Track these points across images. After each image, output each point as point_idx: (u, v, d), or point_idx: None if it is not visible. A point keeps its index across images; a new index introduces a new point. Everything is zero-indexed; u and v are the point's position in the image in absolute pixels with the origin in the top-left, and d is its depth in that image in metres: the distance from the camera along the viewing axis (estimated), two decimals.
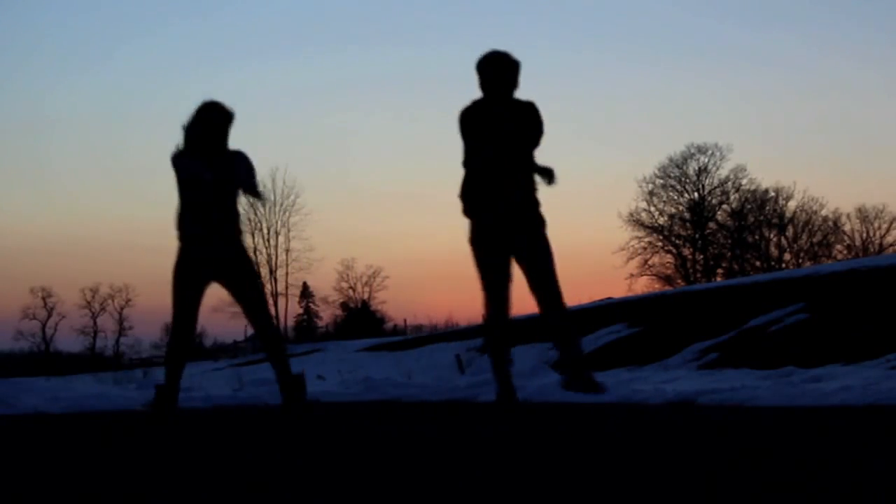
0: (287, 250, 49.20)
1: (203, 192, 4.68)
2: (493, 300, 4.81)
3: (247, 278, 4.84)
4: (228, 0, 78.38)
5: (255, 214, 48.45)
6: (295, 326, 58.28)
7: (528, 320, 17.05)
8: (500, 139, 4.71)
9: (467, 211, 4.82)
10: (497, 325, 4.88)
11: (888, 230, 49.37)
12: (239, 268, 4.81)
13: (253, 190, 4.80)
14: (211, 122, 4.72)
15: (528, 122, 4.78)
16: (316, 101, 77.87)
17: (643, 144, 72.27)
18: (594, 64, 71.39)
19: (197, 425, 4.21)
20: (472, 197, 4.78)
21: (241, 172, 4.75)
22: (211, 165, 4.68)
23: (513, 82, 4.76)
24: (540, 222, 4.81)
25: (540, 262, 4.73)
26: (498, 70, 4.73)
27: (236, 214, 4.82)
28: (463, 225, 4.86)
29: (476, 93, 4.84)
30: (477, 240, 4.79)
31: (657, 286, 46.55)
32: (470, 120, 4.78)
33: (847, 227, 49.54)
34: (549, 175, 4.79)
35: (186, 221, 4.73)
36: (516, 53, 4.80)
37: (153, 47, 78.81)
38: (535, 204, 4.81)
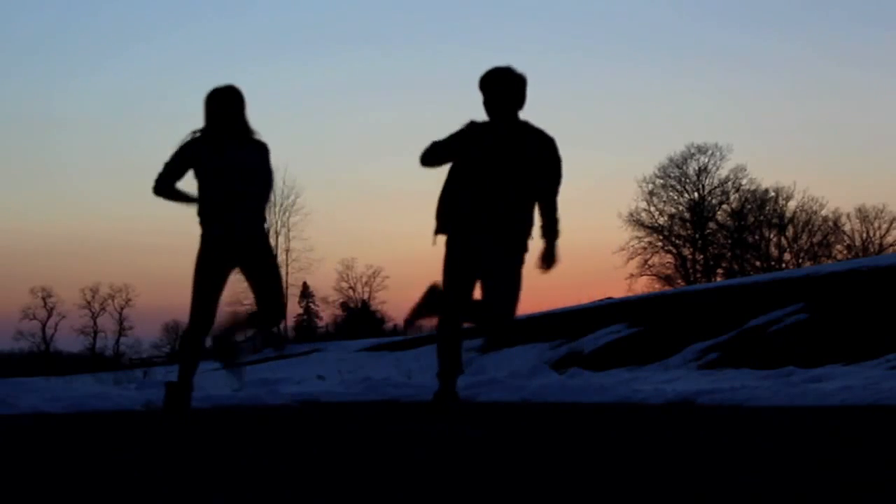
0: (287, 250, 49.14)
1: (222, 180, 4.65)
2: (456, 303, 4.63)
3: (266, 260, 4.76)
4: (229, 4, 78.41)
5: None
6: (295, 326, 58.31)
7: (527, 320, 17.10)
8: (493, 158, 4.51)
9: (440, 226, 4.65)
10: (452, 326, 4.71)
11: (888, 230, 49.37)
12: (260, 251, 4.74)
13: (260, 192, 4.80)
14: (222, 107, 4.66)
15: (538, 153, 4.56)
16: (316, 101, 77.90)
17: (643, 144, 72.29)
18: (594, 64, 71.45)
19: (197, 425, 4.21)
20: (450, 210, 4.61)
21: (262, 167, 4.74)
22: (224, 152, 4.65)
23: (518, 98, 4.52)
24: (517, 254, 4.59)
25: (499, 300, 4.55)
26: (500, 86, 4.49)
27: (260, 201, 4.79)
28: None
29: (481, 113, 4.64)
30: (451, 250, 4.61)
31: (657, 286, 46.54)
32: (471, 132, 4.57)
33: (847, 227, 49.54)
34: (551, 230, 4.58)
35: (207, 210, 4.68)
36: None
37: (156, 48, 78.82)
38: (519, 236, 4.58)
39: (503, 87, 4.52)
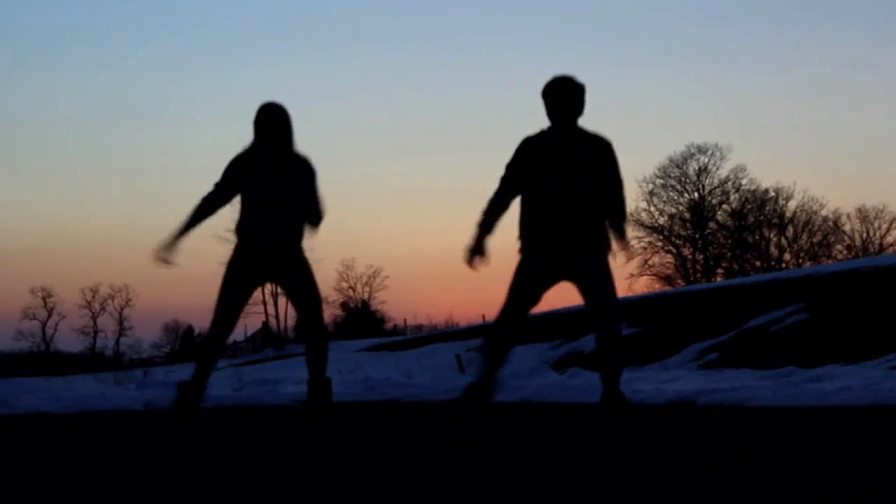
0: None
1: (263, 193, 4.70)
2: (512, 313, 4.68)
3: (302, 277, 4.82)
4: (231, 5, 78.47)
5: None
6: (295, 326, 58.25)
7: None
8: (567, 172, 4.58)
9: (523, 247, 4.67)
10: (505, 332, 4.73)
11: (888, 230, 49.36)
12: (294, 266, 4.79)
13: (311, 209, 4.83)
14: (268, 123, 4.73)
15: (599, 158, 4.66)
16: (316, 101, 77.90)
17: (643, 144, 72.18)
18: (594, 64, 71.42)
19: (197, 425, 4.21)
20: (532, 231, 4.64)
21: (300, 185, 4.79)
22: (268, 169, 4.71)
23: (577, 107, 4.64)
24: (602, 250, 4.64)
25: (598, 295, 4.57)
26: (562, 95, 4.60)
27: (297, 217, 4.83)
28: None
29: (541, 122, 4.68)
30: (528, 264, 4.64)
31: (657, 286, 46.53)
32: (533, 149, 4.62)
33: (847, 227, 49.53)
34: (619, 229, 4.68)
35: (246, 220, 4.73)
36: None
37: (158, 49, 78.90)
38: (601, 240, 4.64)
39: (564, 96, 4.63)
